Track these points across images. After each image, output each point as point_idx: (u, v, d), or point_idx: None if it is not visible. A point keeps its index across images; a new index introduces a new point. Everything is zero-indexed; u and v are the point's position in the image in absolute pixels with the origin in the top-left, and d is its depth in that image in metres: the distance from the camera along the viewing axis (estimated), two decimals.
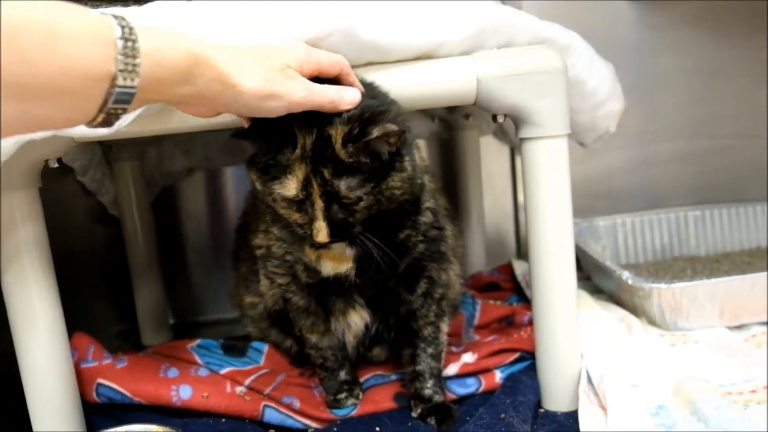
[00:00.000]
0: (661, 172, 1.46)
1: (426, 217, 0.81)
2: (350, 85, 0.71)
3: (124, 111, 0.52)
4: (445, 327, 0.89)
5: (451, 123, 1.37)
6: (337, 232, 0.71)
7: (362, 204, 0.70)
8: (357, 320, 0.86)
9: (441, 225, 0.84)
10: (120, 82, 0.50)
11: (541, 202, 0.83)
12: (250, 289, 0.97)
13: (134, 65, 0.50)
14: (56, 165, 0.81)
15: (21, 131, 0.50)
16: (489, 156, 1.43)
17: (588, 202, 1.37)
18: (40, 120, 0.49)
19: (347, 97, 0.69)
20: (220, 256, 1.47)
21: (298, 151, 0.69)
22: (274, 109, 0.63)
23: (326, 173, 0.68)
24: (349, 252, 0.78)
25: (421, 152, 0.82)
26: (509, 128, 1.30)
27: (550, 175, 0.83)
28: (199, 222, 1.46)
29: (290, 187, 0.70)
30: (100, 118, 0.51)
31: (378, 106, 0.70)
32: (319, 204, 0.70)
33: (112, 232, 1.29)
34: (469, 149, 1.34)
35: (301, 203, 0.71)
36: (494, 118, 0.84)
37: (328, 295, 0.83)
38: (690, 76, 1.43)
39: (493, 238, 1.45)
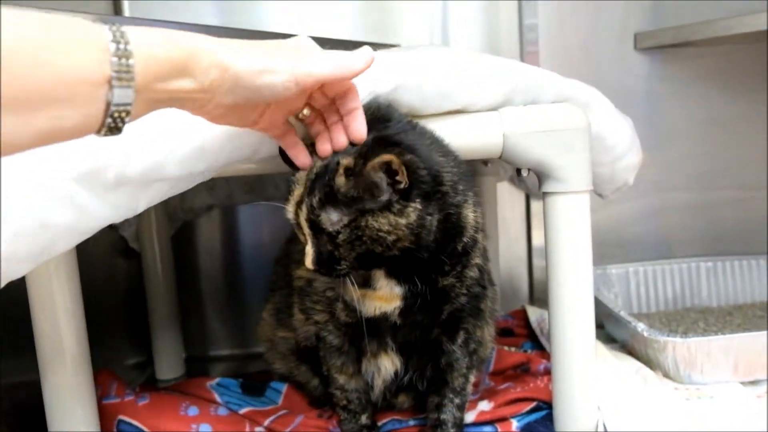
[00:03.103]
0: (672, 222, 1.48)
1: (473, 272, 0.81)
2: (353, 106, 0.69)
3: (128, 114, 0.54)
4: (473, 379, 0.90)
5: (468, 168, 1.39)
6: (324, 264, 0.71)
7: (341, 238, 0.69)
8: (387, 364, 0.87)
9: (485, 284, 0.85)
10: (116, 83, 0.51)
11: (562, 254, 0.85)
12: (283, 323, 0.97)
13: (128, 65, 0.52)
14: None
15: (31, 144, 0.51)
16: (504, 201, 1.46)
17: (600, 250, 1.38)
18: (46, 132, 0.50)
19: (359, 59, 0.65)
20: (234, 292, 1.48)
21: (304, 173, 0.71)
22: (276, 84, 0.62)
23: (314, 200, 0.69)
24: (398, 290, 0.78)
25: (478, 211, 0.80)
26: (530, 179, 1.33)
27: (572, 229, 0.85)
28: (215, 257, 1.48)
29: (289, 207, 0.72)
30: (106, 125, 0.53)
31: (391, 138, 0.70)
32: (307, 230, 0.71)
33: (133, 265, 1.31)
34: (486, 194, 1.36)
35: (298, 226, 0.72)
36: (518, 171, 0.86)
37: (363, 335, 0.84)
38: (700, 128, 1.46)
39: (506, 282, 1.46)
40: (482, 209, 0.83)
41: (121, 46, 0.51)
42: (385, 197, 0.69)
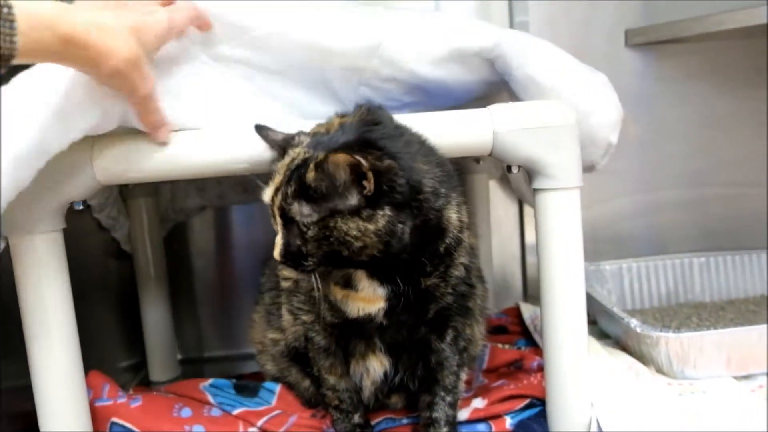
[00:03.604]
0: (666, 219, 1.48)
1: (458, 272, 0.80)
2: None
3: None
4: (464, 376, 0.90)
5: (461, 166, 1.39)
6: (291, 257, 0.71)
7: (310, 234, 0.69)
8: (376, 365, 0.87)
9: (472, 283, 0.85)
10: None
11: (553, 251, 0.85)
12: (272, 325, 0.97)
13: (12, 42, 0.56)
14: (81, 207, 0.83)
15: None
16: (497, 199, 1.46)
17: (593, 247, 1.39)
18: None
19: (177, 18, 0.73)
20: (228, 293, 1.48)
21: (286, 160, 0.71)
22: (127, 85, 0.69)
23: (289, 189, 0.69)
24: (381, 292, 0.77)
25: (463, 210, 0.78)
26: (515, 181, 1.33)
27: (563, 226, 0.85)
28: (208, 258, 1.47)
29: (267, 192, 0.72)
30: None
31: (375, 141, 0.70)
32: (278, 219, 0.71)
33: (125, 267, 1.31)
34: (479, 192, 1.36)
35: (273, 214, 0.72)
36: (509, 168, 0.86)
37: (350, 336, 0.84)
38: (693, 125, 1.46)
39: (500, 280, 1.46)
40: (469, 206, 0.82)
41: (7, 25, 0.56)
42: (354, 201, 0.68)
